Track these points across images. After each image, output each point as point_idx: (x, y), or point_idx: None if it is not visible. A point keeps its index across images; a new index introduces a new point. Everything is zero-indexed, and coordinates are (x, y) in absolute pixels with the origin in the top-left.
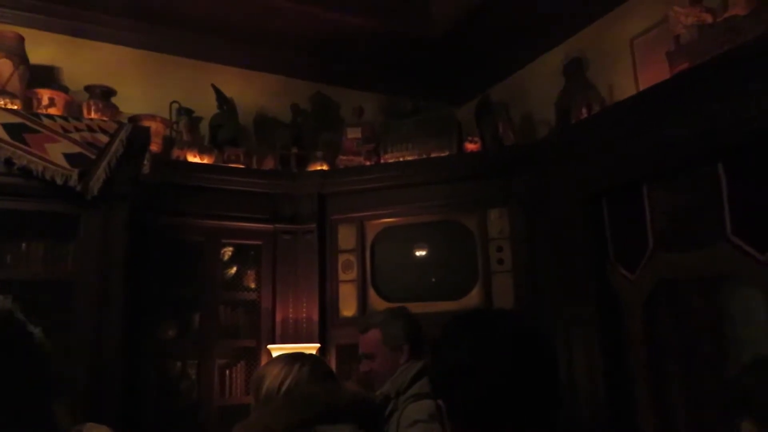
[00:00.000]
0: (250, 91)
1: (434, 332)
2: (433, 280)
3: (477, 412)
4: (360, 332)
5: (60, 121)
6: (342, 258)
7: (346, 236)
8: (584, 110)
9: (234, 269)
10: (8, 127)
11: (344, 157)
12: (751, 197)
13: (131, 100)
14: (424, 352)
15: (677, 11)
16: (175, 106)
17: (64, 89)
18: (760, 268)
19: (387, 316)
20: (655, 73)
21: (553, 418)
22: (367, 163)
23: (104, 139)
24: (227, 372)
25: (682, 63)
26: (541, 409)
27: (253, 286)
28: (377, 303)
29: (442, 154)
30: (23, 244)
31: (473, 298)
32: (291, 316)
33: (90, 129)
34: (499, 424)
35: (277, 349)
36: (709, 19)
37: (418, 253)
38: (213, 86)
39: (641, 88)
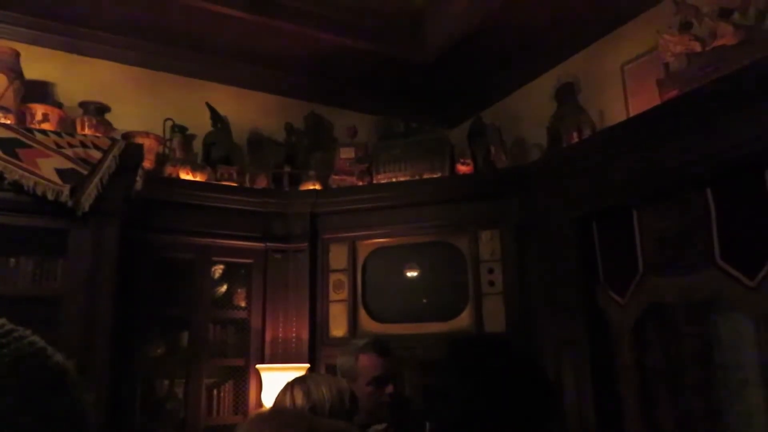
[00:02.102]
0: (244, 109)
1: (424, 353)
2: (424, 301)
3: None
4: (385, 355)
5: (53, 136)
6: (333, 278)
7: (337, 256)
8: (575, 134)
9: (224, 287)
10: (1, 142)
11: (337, 177)
12: (740, 223)
13: (125, 117)
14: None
15: (667, 39)
16: (168, 123)
17: (58, 105)
18: (748, 294)
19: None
20: (646, 99)
21: None
22: (360, 183)
23: (97, 155)
24: (215, 391)
25: (672, 90)
26: None
27: (243, 304)
28: (368, 323)
29: (435, 176)
30: (12, 260)
31: (464, 319)
32: (281, 335)
33: (83, 145)
34: None
35: (265, 369)
36: (697, 48)
37: (409, 274)
38: (207, 104)
39: (631, 113)
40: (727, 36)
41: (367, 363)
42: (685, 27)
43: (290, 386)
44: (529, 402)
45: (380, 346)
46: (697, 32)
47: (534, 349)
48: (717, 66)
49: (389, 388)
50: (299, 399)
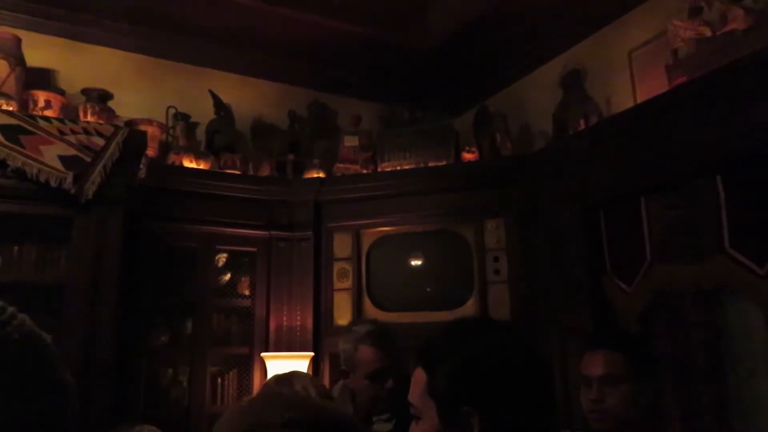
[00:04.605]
0: (248, 97)
1: None
2: (429, 289)
3: None
4: (384, 347)
5: (56, 123)
6: (337, 266)
7: (341, 244)
8: (582, 122)
9: (228, 276)
10: (4, 129)
11: (341, 165)
12: (750, 210)
13: (128, 104)
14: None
15: (676, 25)
16: (172, 111)
17: (61, 92)
18: (758, 282)
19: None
20: (653, 85)
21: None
22: (364, 171)
23: (100, 142)
24: (219, 379)
25: (680, 76)
26: (521, 426)
27: (247, 293)
28: (372, 312)
29: (440, 164)
30: (15, 247)
31: (469, 308)
32: (285, 324)
33: (86, 132)
34: None
35: (270, 357)
36: (707, 33)
37: (414, 263)
38: (210, 92)
39: (639, 100)
40: (737, 20)
41: (366, 356)
42: (694, 12)
43: (285, 380)
44: (528, 383)
45: (379, 336)
46: (707, 17)
47: (539, 337)
48: (727, 51)
49: (389, 383)
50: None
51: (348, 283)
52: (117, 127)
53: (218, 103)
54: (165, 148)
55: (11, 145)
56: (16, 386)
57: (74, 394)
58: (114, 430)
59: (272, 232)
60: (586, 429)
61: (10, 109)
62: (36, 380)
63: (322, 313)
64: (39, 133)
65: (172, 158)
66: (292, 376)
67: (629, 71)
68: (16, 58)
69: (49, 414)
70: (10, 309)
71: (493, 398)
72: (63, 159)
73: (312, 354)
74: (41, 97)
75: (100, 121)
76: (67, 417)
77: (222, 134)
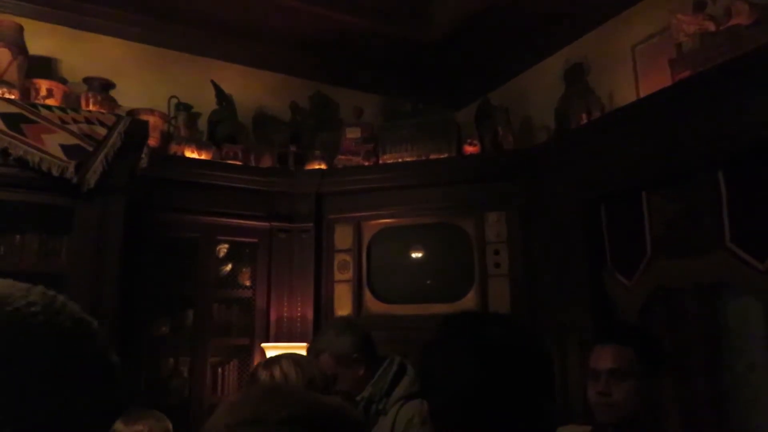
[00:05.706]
0: (250, 88)
1: (427, 334)
2: (429, 282)
3: (451, 416)
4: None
5: (58, 112)
6: (338, 258)
7: (342, 236)
8: (584, 116)
9: (229, 266)
10: (5, 117)
11: (342, 157)
12: (751, 206)
13: (130, 94)
14: (376, 353)
15: (680, 19)
16: (173, 101)
17: (63, 81)
18: (758, 277)
19: (331, 335)
20: (656, 80)
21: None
22: (366, 163)
23: (102, 131)
24: (219, 370)
25: (684, 71)
26: (520, 420)
27: (247, 284)
28: (372, 304)
29: (441, 157)
30: (17, 236)
31: (469, 301)
32: (285, 315)
33: (88, 121)
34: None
35: (270, 348)
36: (711, 27)
37: (414, 255)
38: (212, 82)
39: (642, 95)
40: (742, 15)
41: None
42: (698, 6)
43: (275, 362)
44: (529, 377)
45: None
46: (711, 12)
47: (538, 331)
48: (731, 46)
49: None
50: (293, 374)
51: (348, 274)
52: (119, 117)
53: (220, 94)
54: (167, 138)
55: (13, 133)
56: (70, 374)
57: (122, 377)
58: (121, 417)
59: (273, 224)
60: (591, 422)
61: (12, 97)
62: (89, 367)
63: (322, 304)
64: (41, 121)
65: (173, 148)
66: (291, 355)
67: (632, 65)
68: (18, 47)
69: (102, 400)
70: (61, 297)
71: (495, 393)
72: (65, 148)
73: None
74: (43, 85)
75: (102, 111)
76: (118, 401)
77: (224, 125)
